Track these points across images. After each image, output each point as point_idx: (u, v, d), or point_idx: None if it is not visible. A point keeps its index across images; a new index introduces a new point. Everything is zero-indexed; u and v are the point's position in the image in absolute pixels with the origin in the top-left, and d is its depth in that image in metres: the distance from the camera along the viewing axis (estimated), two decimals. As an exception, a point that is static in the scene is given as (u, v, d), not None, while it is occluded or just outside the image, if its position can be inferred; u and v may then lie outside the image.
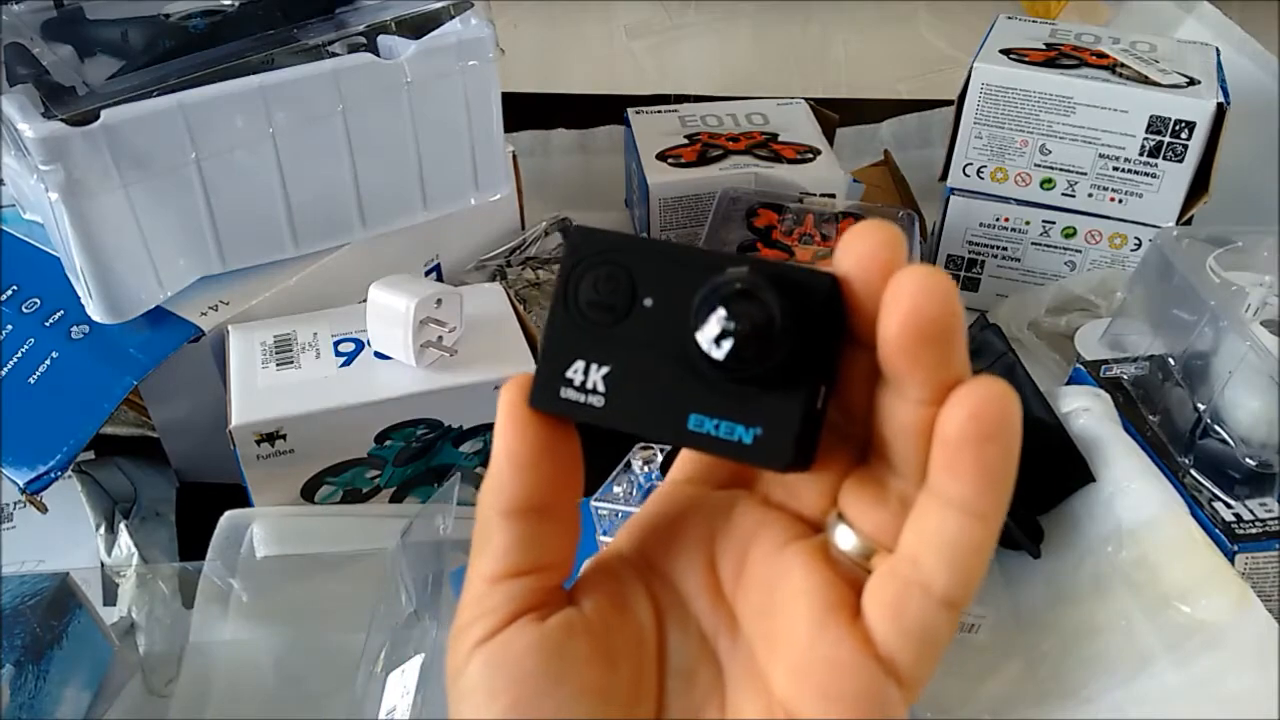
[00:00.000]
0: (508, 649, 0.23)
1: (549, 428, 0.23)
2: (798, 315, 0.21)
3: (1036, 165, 0.69)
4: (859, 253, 0.21)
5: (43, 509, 0.50)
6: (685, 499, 0.26)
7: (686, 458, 0.27)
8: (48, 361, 0.53)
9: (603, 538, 0.47)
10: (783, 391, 0.21)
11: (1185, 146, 0.64)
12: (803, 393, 0.21)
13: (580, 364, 0.23)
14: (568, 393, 0.23)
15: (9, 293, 0.57)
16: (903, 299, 0.20)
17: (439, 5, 0.58)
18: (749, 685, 0.24)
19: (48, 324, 0.55)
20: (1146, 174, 0.66)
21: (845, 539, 0.23)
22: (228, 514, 0.50)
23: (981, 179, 0.70)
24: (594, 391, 0.23)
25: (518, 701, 0.22)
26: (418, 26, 0.58)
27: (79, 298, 0.54)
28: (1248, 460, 0.50)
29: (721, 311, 0.21)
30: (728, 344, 0.21)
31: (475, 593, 0.24)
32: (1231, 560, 0.47)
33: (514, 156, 0.69)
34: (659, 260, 0.23)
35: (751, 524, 0.25)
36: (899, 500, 0.22)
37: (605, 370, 0.23)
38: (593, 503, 0.47)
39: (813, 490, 0.24)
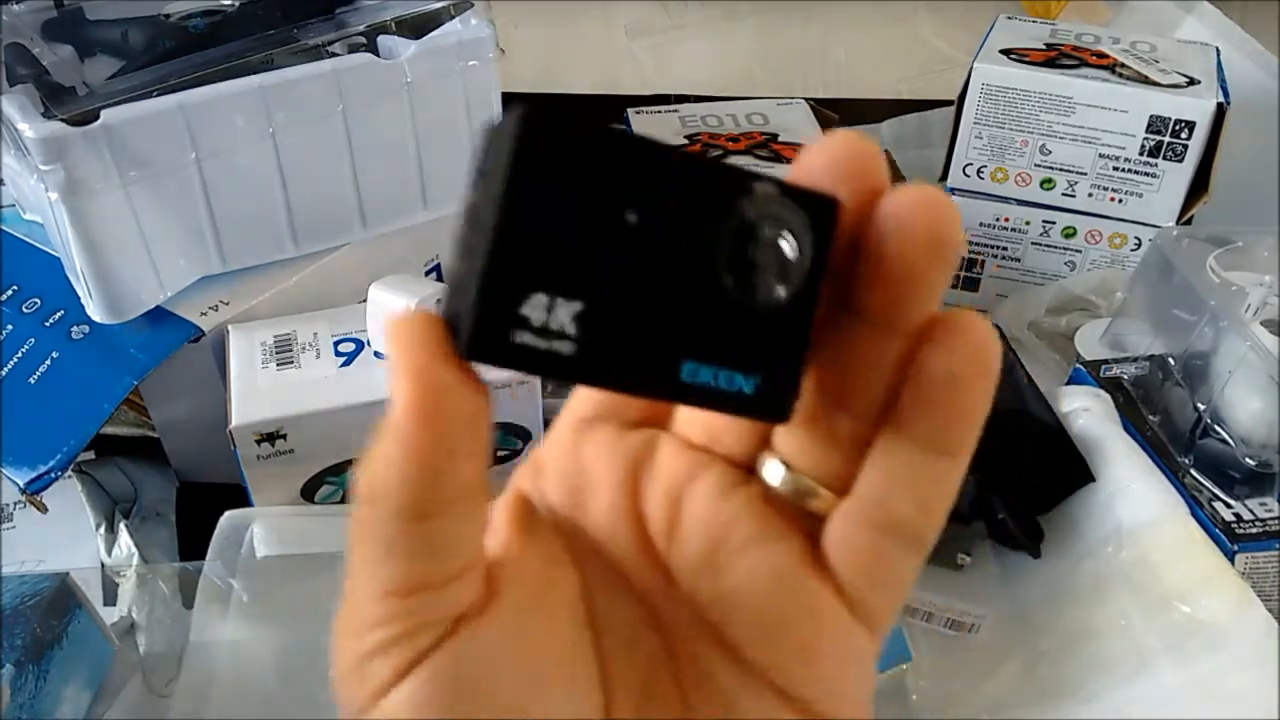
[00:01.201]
0: (456, 660, 0.19)
1: (470, 389, 0.17)
2: (814, 238, 0.18)
3: (1036, 165, 0.69)
4: (834, 166, 0.18)
5: (43, 509, 0.50)
6: (601, 442, 0.22)
7: (590, 392, 0.23)
8: (48, 361, 0.53)
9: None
10: (782, 332, 0.18)
11: (1185, 146, 0.64)
12: (802, 332, 0.19)
13: (541, 299, 0.17)
14: (524, 337, 0.17)
15: (9, 293, 0.57)
16: (907, 219, 0.18)
17: (439, 5, 0.58)
18: (704, 648, 0.21)
19: (48, 324, 0.55)
20: (1146, 174, 0.66)
21: (782, 480, 0.21)
22: (228, 514, 0.50)
23: (981, 179, 0.70)
24: (561, 335, 0.17)
25: (457, 708, 0.19)
26: (418, 26, 0.58)
27: (79, 298, 0.54)
28: (1248, 460, 0.51)
29: (744, 232, 0.17)
30: (746, 271, 0.17)
31: (381, 612, 0.18)
32: (1231, 560, 0.47)
33: (514, 156, 0.69)
34: (648, 164, 0.17)
35: (682, 470, 0.21)
36: (850, 439, 0.20)
37: (576, 307, 0.17)
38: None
39: (738, 431, 0.21)
